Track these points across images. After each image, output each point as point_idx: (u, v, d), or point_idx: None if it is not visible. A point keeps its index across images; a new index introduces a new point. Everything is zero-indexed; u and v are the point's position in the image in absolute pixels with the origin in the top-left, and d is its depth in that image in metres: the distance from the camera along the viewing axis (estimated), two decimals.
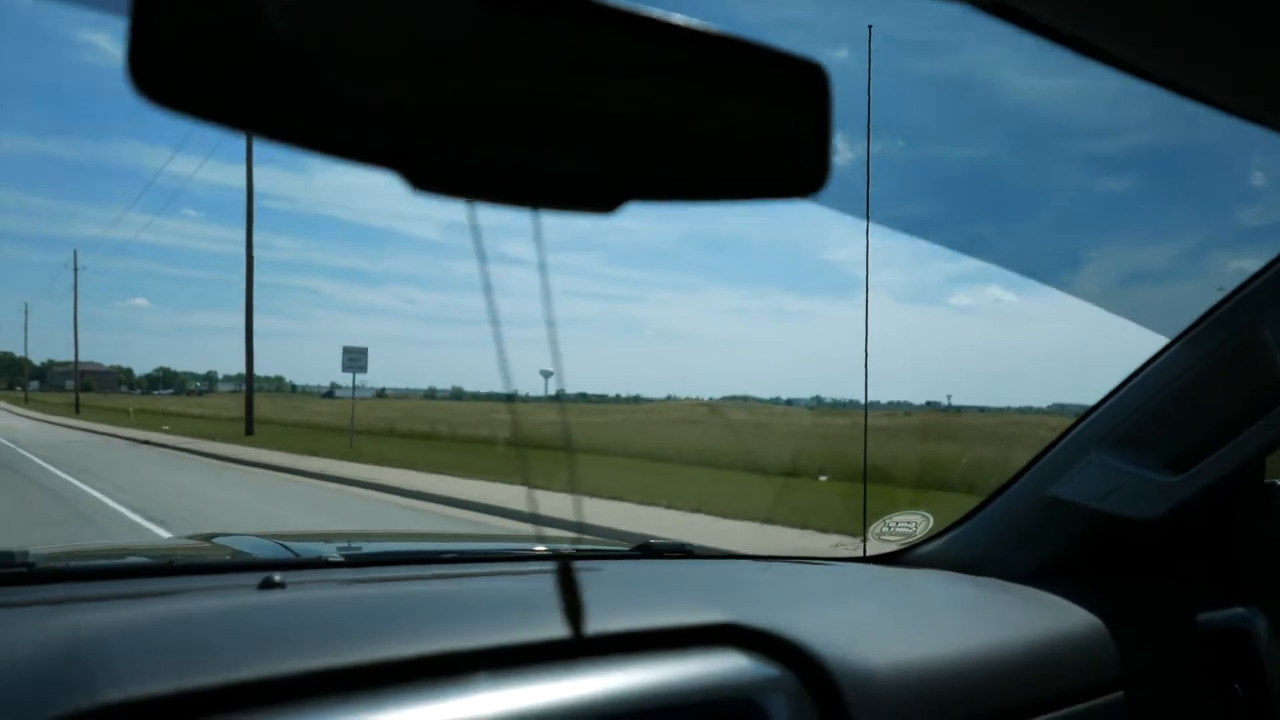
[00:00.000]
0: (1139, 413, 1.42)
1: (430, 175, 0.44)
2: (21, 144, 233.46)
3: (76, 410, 48.45)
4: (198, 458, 19.13)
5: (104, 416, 42.13)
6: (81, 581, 1.19)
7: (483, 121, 0.45)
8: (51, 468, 15.68)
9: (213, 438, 24.08)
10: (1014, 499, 1.56)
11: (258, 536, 1.58)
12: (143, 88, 0.39)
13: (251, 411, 25.64)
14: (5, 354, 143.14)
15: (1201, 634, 1.41)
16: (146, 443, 23.22)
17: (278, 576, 1.11)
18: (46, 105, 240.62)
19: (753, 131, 0.52)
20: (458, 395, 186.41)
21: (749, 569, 1.53)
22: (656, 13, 0.47)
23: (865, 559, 1.73)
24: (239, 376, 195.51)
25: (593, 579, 1.11)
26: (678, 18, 0.48)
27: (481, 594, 1.14)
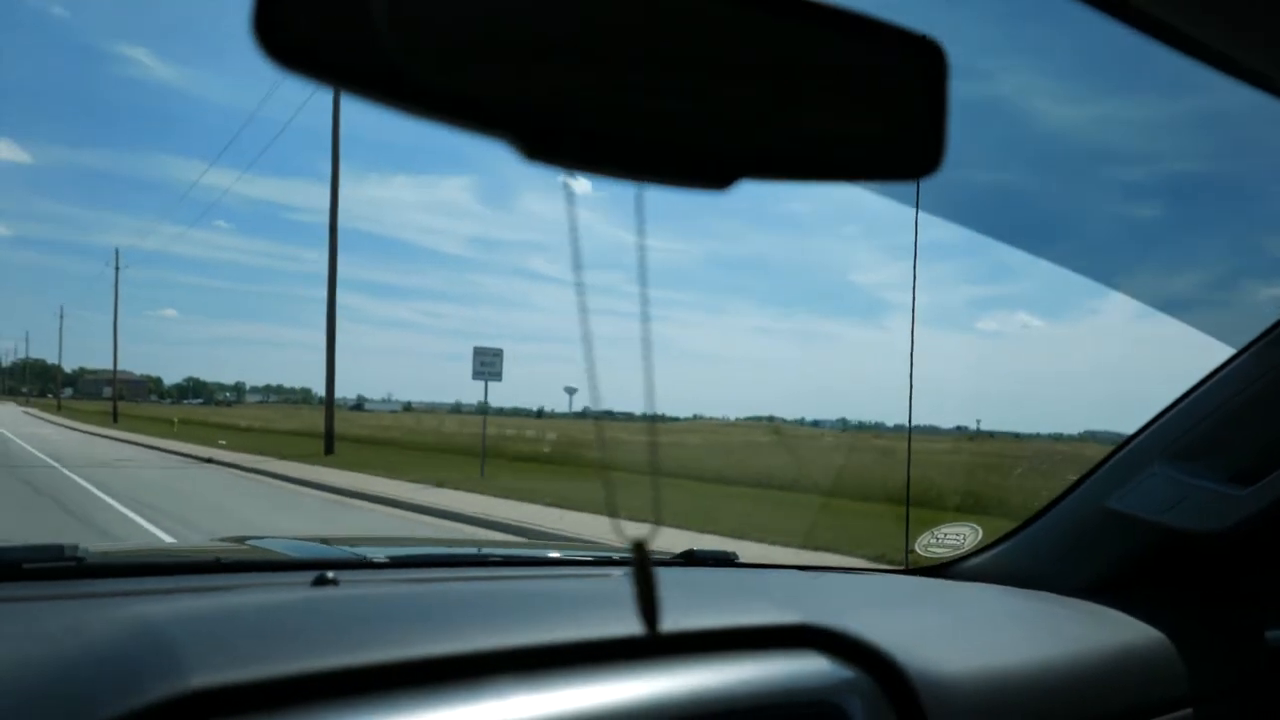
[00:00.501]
0: (1203, 424, 1.39)
1: (542, 143, 0.43)
2: (59, 154, 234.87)
3: (114, 419, 44.78)
4: (280, 484, 15.23)
5: (144, 427, 38.50)
6: (133, 576, 1.20)
7: (596, 91, 0.44)
8: (108, 498, 11.78)
9: (282, 455, 20.31)
10: (1069, 512, 1.52)
11: (294, 539, 1.62)
12: (269, 49, 0.39)
13: (332, 428, 21.55)
14: (36, 361, 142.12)
15: (1272, 650, 1.39)
16: (210, 461, 19.22)
17: (331, 574, 1.13)
18: (85, 117, 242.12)
19: (867, 109, 0.50)
20: (484, 410, 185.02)
21: (795, 577, 1.50)
22: None
23: (910, 570, 1.68)
24: (266, 387, 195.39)
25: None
26: None
27: (546, 593, 1.14)
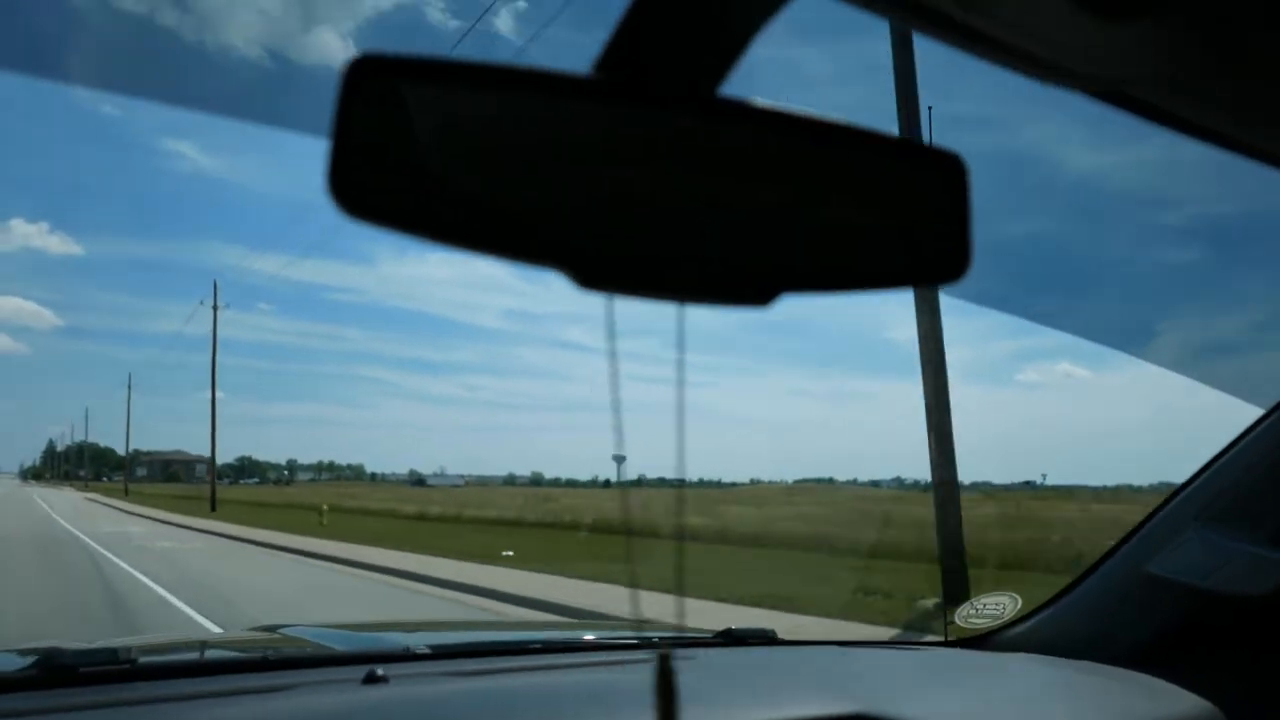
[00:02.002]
0: (1240, 485, 1.34)
1: (595, 273, 0.45)
2: (108, 245, 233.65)
3: (213, 508, 34.99)
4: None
5: (260, 518, 28.69)
6: (183, 678, 1.18)
7: (641, 223, 0.46)
8: None
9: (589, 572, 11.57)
10: (1108, 578, 1.47)
11: (327, 627, 1.62)
12: (343, 205, 0.43)
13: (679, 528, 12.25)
14: (91, 445, 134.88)
15: None
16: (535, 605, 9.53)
17: (380, 670, 1.12)
18: (133, 208, 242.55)
19: (897, 222, 0.52)
20: (538, 482, 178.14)
21: (837, 656, 1.50)
22: (798, 109, 0.48)
23: (949, 642, 1.66)
24: (317, 465, 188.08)
25: (688, 668, 1.16)
26: (818, 113, 0.49)
27: (587, 686, 1.14)
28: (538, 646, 1.51)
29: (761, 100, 0.47)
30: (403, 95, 0.43)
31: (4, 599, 10.58)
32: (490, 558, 14.12)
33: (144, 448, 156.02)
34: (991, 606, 1.64)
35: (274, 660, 1.27)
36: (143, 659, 1.16)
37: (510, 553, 13.87)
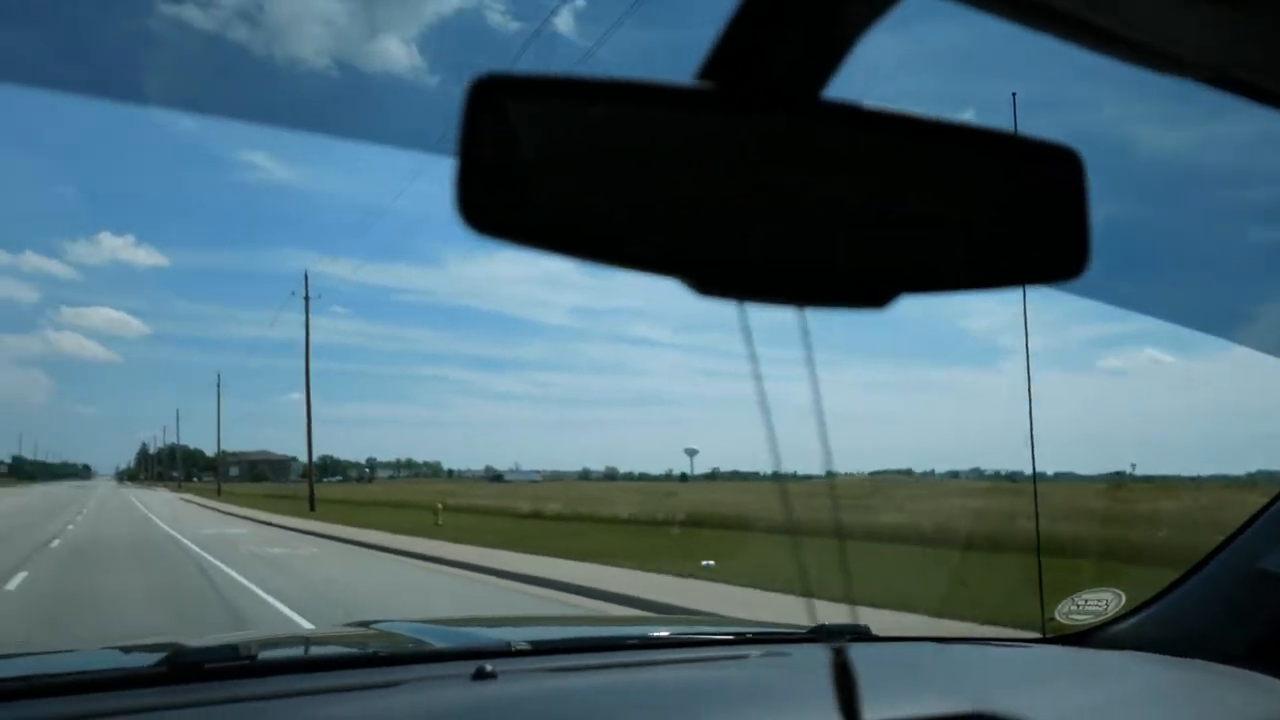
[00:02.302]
0: None
1: (713, 279, 0.46)
2: (191, 256, 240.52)
3: (312, 507, 33.43)
4: None
5: (350, 515, 26.96)
6: (300, 674, 1.21)
7: (758, 228, 0.46)
8: None
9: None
10: (1218, 573, 1.42)
11: (415, 622, 1.67)
12: (471, 222, 0.44)
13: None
14: (181, 447, 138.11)
15: None
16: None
17: (489, 666, 1.13)
18: (212, 219, 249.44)
19: (1012, 218, 0.52)
20: (612, 476, 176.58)
21: (934, 652, 1.47)
22: (907, 110, 0.48)
23: (1048, 639, 1.62)
24: (395, 462, 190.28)
25: (782, 664, 1.24)
26: (927, 114, 0.49)
27: (690, 683, 1.13)
28: (634, 642, 1.54)
29: (870, 102, 0.47)
30: (522, 113, 0.44)
31: (112, 622, 8.62)
32: (674, 565, 11.55)
33: (231, 449, 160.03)
34: (1094, 603, 1.61)
35: (386, 656, 1.33)
36: (261, 655, 1.19)
37: (711, 563, 11.22)
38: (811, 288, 0.48)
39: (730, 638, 1.53)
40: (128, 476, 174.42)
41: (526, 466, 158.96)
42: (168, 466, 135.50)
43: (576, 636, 1.65)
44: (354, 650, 1.44)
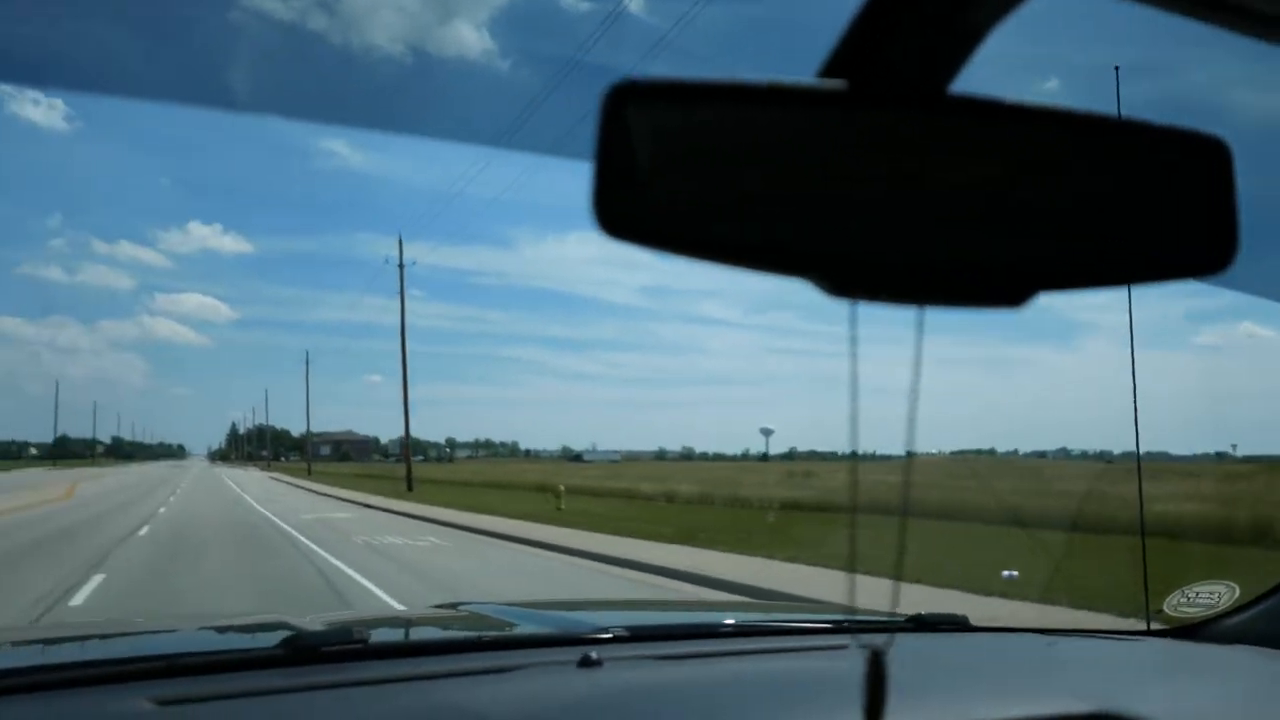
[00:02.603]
0: None
1: (845, 280, 0.46)
2: (274, 242, 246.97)
3: (409, 487, 31.18)
4: None
5: (453, 498, 24.47)
6: (411, 657, 1.22)
7: (888, 228, 0.45)
8: None
9: None
10: None
11: (503, 604, 1.73)
12: (607, 227, 0.44)
13: None
14: (269, 427, 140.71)
15: None
16: None
17: (594, 654, 1.12)
18: (294, 205, 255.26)
19: (1154, 211, 0.50)
20: (688, 456, 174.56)
21: (1035, 643, 1.42)
22: (1039, 102, 0.48)
23: (1154, 632, 1.57)
24: (474, 442, 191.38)
25: (891, 658, 1.27)
26: (1061, 105, 0.48)
27: (794, 674, 1.11)
28: (734, 629, 1.53)
29: (999, 95, 0.46)
30: (656, 118, 0.44)
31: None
32: (939, 575, 8.27)
33: (315, 429, 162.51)
34: (1205, 595, 1.61)
35: (493, 641, 1.36)
36: (372, 638, 1.22)
37: (1014, 573, 7.93)
38: (944, 287, 0.46)
39: (828, 626, 1.53)
40: (219, 456, 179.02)
41: (602, 446, 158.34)
42: (257, 446, 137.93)
43: (677, 623, 1.65)
44: (464, 635, 1.45)
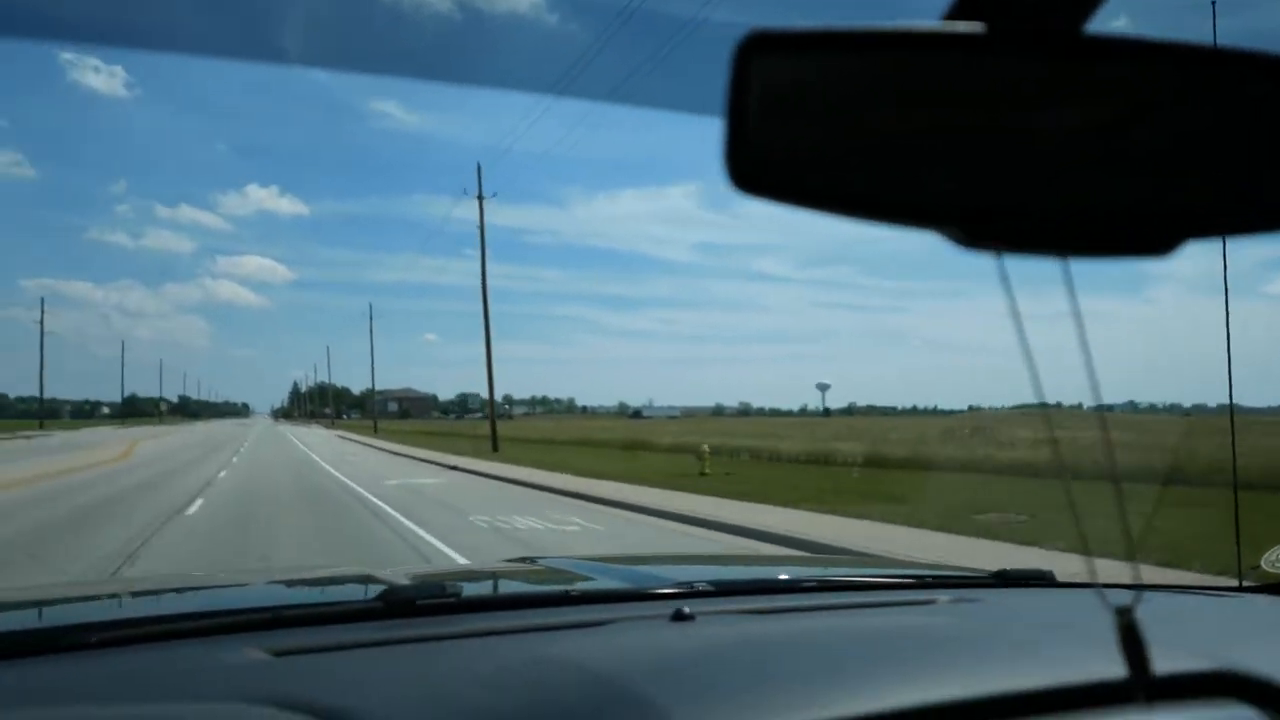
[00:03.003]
0: None
1: (982, 231, 0.44)
2: (330, 204, 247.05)
3: (495, 447, 27.62)
4: None
5: (547, 458, 20.81)
6: (506, 611, 1.24)
7: (1025, 176, 0.44)
8: None
9: None
10: None
11: (579, 559, 1.77)
12: (740, 183, 0.43)
13: None
14: (330, 386, 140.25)
15: None
16: None
17: (687, 608, 1.12)
18: (349, 167, 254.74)
19: None
20: (746, 412, 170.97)
21: (1126, 599, 1.21)
22: (1180, 40, 0.45)
23: (1246, 588, 1.53)
24: (531, 399, 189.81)
25: (976, 611, 1.25)
26: (1203, 42, 0.46)
27: (887, 628, 1.09)
28: (819, 584, 1.52)
29: (1137, 34, 0.44)
30: (788, 69, 0.43)
31: None
32: None
33: (375, 387, 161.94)
34: None
35: (582, 595, 1.33)
36: (465, 592, 1.25)
37: None
38: (1086, 236, 0.44)
39: (914, 581, 1.54)
40: (282, 414, 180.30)
41: (658, 403, 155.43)
42: (319, 404, 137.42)
43: (765, 578, 1.66)
44: (554, 589, 1.45)
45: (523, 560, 1.90)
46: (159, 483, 17.28)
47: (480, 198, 27.79)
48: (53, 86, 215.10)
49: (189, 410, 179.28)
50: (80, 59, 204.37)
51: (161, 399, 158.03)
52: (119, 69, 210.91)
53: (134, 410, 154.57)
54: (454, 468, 21.30)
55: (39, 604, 1.52)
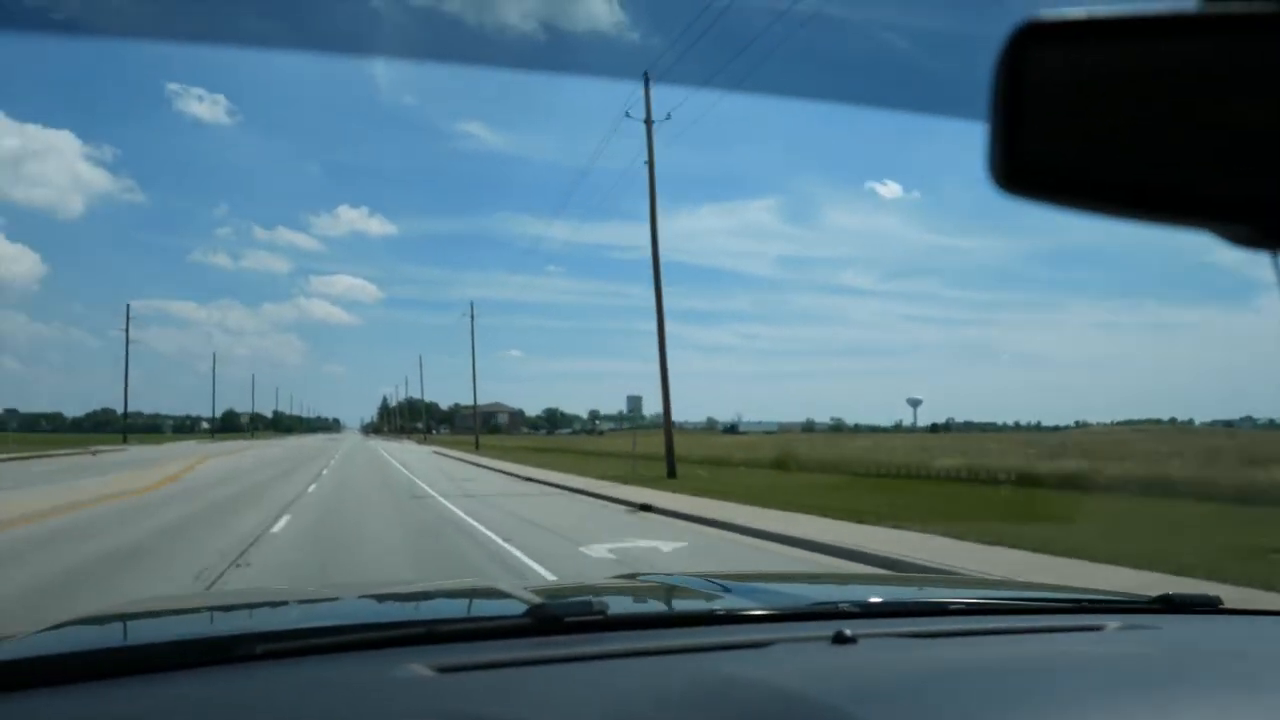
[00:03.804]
0: None
1: (1274, 228, 0.40)
2: (417, 223, 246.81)
3: (671, 473, 19.44)
4: None
5: (741, 488, 12.40)
6: (650, 629, 1.19)
7: None
8: None
9: None
10: None
11: (687, 574, 1.70)
12: (1010, 184, 0.40)
13: None
14: (418, 401, 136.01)
15: None
16: None
17: (848, 630, 1.07)
18: (435, 187, 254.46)
19: None
20: (838, 427, 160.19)
21: None
22: None
23: None
24: (618, 415, 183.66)
25: (1149, 639, 1.17)
26: None
27: (1065, 657, 1.01)
28: (976, 607, 1.43)
29: None
30: (1067, 58, 0.40)
31: None
32: None
33: (460, 402, 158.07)
34: None
35: (733, 615, 1.25)
36: (611, 610, 1.18)
37: None
38: None
39: (1077, 605, 1.47)
40: (371, 429, 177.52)
41: (747, 418, 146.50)
42: (408, 419, 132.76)
43: (925, 600, 1.58)
44: (700, 607, 1.39)
45: (626, 576, 1.90)
46: (183, 531, 9.81)
47: (649, 120, 19.81)
48: (160, 115, 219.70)
49: (282, 425, 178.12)
50: (185, 89, 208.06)
51: (253, 414, 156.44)
52: (221, 97, 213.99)
53: (230, 425, 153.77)
54: (646, 506, 13.20)
55: (195, 612, 1.58)
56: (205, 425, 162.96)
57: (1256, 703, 0.76)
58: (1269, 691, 0.80)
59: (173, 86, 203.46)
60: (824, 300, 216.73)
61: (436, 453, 44.17)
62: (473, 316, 51.56)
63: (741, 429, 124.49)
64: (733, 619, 1.22)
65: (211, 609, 1.61)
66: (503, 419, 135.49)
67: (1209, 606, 1.38)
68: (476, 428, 46.48)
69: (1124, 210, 0.39)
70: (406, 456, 38.36)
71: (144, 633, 1.29)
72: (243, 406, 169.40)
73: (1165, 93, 0.38)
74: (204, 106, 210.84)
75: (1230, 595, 1.70)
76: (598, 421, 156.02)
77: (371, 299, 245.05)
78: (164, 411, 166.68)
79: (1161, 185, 0.39)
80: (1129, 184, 0.39)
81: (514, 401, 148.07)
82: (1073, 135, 0.39)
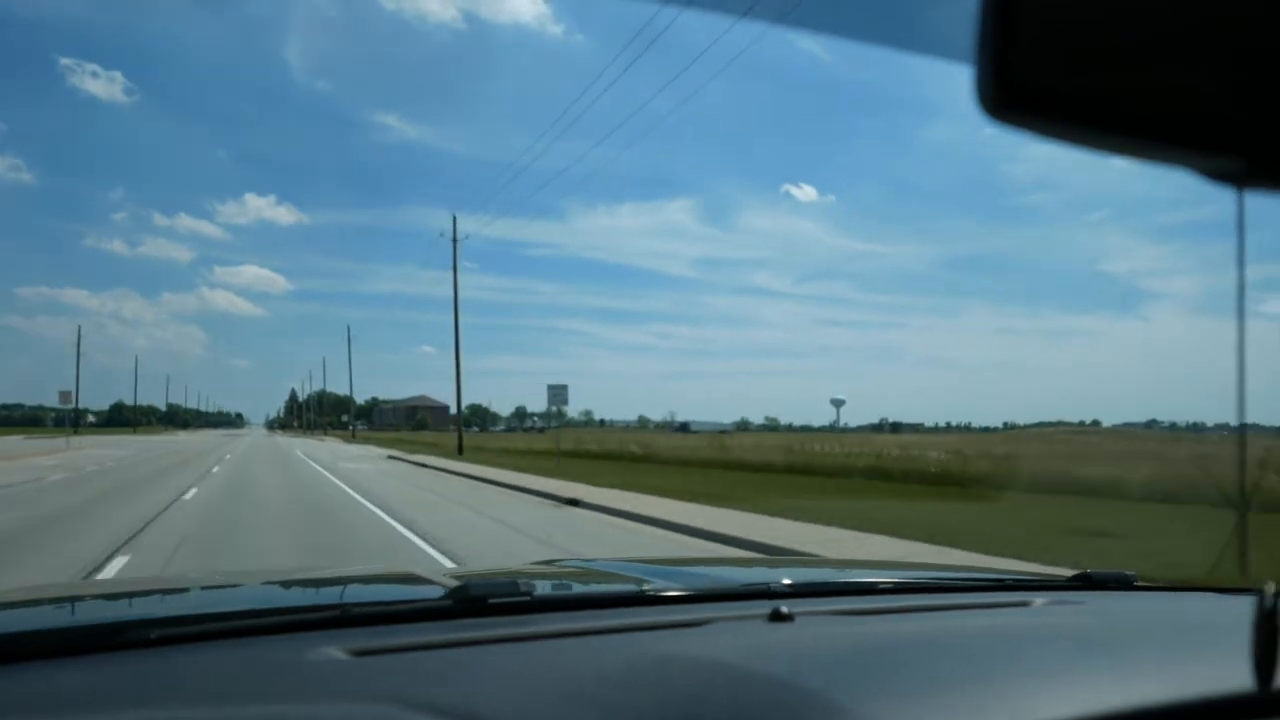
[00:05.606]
0: None
1: (1273, 162, 0.38)
2: (327, 214, 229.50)
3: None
4: None
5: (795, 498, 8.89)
6: (580, 610, 1.15)
7: None
8: None
9: None
10: None
11: (610, 560, 1.69)
12: (997, 111, 0.37)
13: None
14: (331, 394, 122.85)
15: None
16: None
17: (785, 608, 1.07)
18: (347, 178, 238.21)
19: None
20: (772, 427, 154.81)
21: (1210, 603, 1.33)
22: None
23: None
24: (546, 413, 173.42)
25: (1076, 612, 1.17)
26: None
27: (992, 630, 1.05)
28: (907, 586, 1.47)
29: None
30: None
31: None
32: None
33: (381, 397, 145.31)
34: None
35: (655, 596, 1.24)
36: (538, 591, 1.16)
37: None
38: None
39: (1003, 583, 1.49)
40: (279, 425, 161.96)
41: (680, 417, 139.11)
42: (319, 414, 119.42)
43: (857, 580, 1.57)
44: (628, 589, 1.33)
45: (544, 563, 1.88)
46: None
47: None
48: (52, 91, 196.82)
49: (177, 420, 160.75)
50: (79, 64, 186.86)
51: (136, 404, 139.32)
52: (118, 74, 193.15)
53: (120, 419, 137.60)
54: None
55: (80, 600, 1.48)
56: (91, 419, 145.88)
57: (1179, 669, 0.79)
58: (1185, 658, 0.85)
59: (65, 61, 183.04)
60: (739, 301, 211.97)
61: (394, 457, 31.47)
62: (466, 357, 40.61)
63: (695, 429, 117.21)
64: (666, 600, 1.21)
65: (101, 596, 1.54)
66: (429, 414, 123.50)
67: (1124, 583, 1.42)
68: (460, 427, 35.23)
69: (1117, 141, 0.36)
70: (340, 464, 26.45)
71: (21, 620, 1.16)
72: (141, 399, 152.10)
73: (1166, 12, 0.35)
74: (99, 84, 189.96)
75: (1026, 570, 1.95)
76: (534, 421, 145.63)
77: (280, 290, 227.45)
78: (49, 405, 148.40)
79: (1158, 112, 0.36)
80: (1124, 112, 0.36)
81: (436, 398, 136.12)
82: (1067, 58, 0.35)
